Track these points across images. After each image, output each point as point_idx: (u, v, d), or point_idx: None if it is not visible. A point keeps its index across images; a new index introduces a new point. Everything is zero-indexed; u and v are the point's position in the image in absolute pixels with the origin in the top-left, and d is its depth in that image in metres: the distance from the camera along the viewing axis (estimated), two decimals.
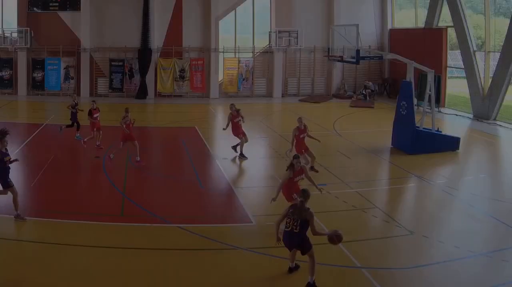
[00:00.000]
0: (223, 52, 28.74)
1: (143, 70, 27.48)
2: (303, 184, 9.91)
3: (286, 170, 9.64)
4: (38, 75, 27.57)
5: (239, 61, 28.76)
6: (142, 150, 14.96)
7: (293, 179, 9.64)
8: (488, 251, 9.04)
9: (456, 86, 27.89)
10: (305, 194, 7.81)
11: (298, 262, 8.16)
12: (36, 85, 27.60)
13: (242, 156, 15.11)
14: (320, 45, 28.89)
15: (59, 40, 27.41)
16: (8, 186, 10.01)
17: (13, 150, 15.41)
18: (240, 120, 15.15)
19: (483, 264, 8.67)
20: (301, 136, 13.13)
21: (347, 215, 10.85)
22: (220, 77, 28.90)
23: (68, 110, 17.32)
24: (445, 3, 24.48)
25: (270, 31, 28.78)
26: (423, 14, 27.12)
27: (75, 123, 17.19)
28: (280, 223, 7.91)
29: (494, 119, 21.72)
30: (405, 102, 16.30)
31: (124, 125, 14.30)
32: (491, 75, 21.91)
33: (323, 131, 19.62)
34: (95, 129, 15.94)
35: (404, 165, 14.70)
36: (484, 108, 22.09)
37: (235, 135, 15.28)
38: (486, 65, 22.65)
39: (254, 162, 15.20)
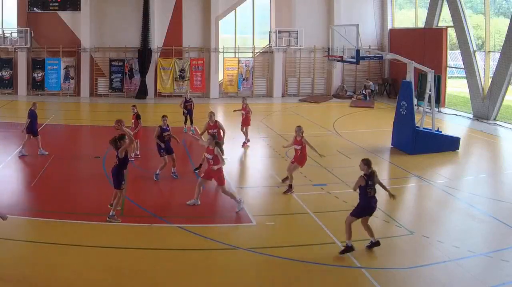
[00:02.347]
0: (223, 52, 28.75)
1: (143, 70, 27.49)
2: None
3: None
4: (38, 75, 27.56)
5: (239, 61, 28.76)
6: (142, 150, 15.09)
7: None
8: (488, 251, 9.04)
9: (456, 86, 27.90)
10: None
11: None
12: (36, 85, 27.60)
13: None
14: (320, 45, 28.91)
15: (59, 40, 27.41)
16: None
17: (13, 150, 15.46)
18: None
19: (483, 264, 8.67)
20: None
21: (347, 215, 10.82)
22: (220, 77, 28.91)
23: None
24: (445, 3, 24.48)
25: (270, 31, 28.80)
26: (423, 14, 27.13)
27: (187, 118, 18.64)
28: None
29: (494, 119, 21.72)
30: (405, 102, 16.30)
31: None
32: (491, 75, 21.90)
33: (323, 131, 19.63)
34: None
35: (404, 165, 14.70)
36: (484, 108, 22.09)
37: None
38: (486, 65, 22.65)
39: (254, 162, 15.21)
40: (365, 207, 8.74)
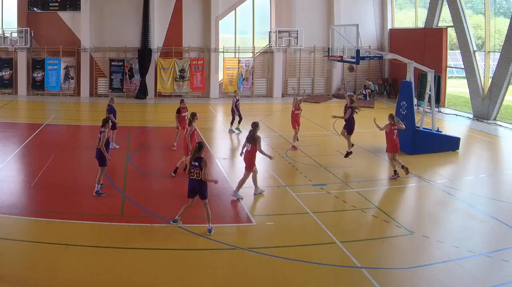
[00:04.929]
0: (223, 52, 28.75)
1: (143, 70, 27.50)
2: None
3: None
4: (38, 75, 27.56)
5: (239, 61, 28.77)
6: (141, 150, 15.08)
7: None
8: (488, 251, 9.05)
9: (456, 86, 27.91)
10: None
11: None
12: (36, 85, 27.59)
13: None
14: (320, 45, 28.92)
15: (59, 40, 27.41)
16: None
17: (13, 150, 15.48)
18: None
19: (483, 264, 8.67)
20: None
21: (347, 215, 10.85)
22: (220, 77, 28.92)
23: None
24: (445, 3, 24.49)
25: (270, 31, 28.81)
26: (423, 14, 27.13)
27: (236, 117, 18.99)
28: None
29: (494, 119, 21.73)
30: (405, 102, 16.31)
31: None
32: (491, 75, 21.91)
33: (323, 131, 19.63)
34: (179, 128, 15.75)
35: None
36: (484, 108, 22.09)
37: None
38: (486, 65, 22.65)
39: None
40: None
